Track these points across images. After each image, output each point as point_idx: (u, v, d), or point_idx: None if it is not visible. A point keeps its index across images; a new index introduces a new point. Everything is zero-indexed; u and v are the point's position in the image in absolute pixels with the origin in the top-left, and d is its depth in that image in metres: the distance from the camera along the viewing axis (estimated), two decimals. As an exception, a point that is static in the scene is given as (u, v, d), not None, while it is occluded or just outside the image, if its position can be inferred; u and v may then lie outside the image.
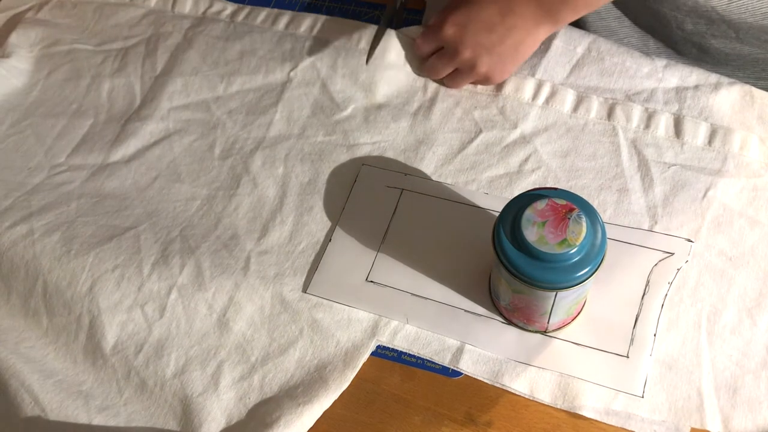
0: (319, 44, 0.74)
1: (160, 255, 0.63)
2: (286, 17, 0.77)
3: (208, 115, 0.72)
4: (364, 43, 0.72)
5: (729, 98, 0.64)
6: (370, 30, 0.73)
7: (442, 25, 0.65)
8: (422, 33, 0.69)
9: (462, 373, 0.56)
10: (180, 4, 0.80)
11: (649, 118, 0.65)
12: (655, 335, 0.55)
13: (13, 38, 0.80)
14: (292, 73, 0.73)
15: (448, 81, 0.69)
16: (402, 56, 0.71)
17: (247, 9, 0.79)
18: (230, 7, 0.79)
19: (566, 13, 0.62)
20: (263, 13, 0.78)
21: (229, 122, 0.71)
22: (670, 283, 0.56)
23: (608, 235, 0.48)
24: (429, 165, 0.65)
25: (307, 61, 0.73)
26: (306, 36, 0.75)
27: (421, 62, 0.71)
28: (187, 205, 0.67)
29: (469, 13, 0.63)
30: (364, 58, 0.71)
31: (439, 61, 0.68)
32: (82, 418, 0.57)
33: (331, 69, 0.72)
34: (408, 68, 0.71)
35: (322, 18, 0.76)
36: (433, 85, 0.70)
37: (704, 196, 0.60)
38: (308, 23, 0.76)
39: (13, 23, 0.82)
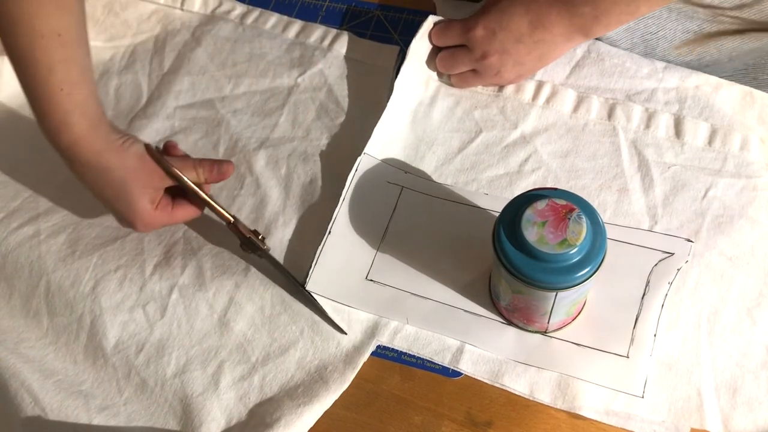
0: (329, 54, 0.74)
1: (162, 257, 0.63)
2: (296, 26, 0.76)
3: (213, 112, 0.72)
4: (381, 61, 0.72)
5: (729, 99, 0.64)
6: (386, 50, 0.72)
7: (473, 27, 0.64)
8: (445, 25, 0.67)
9: (462, 373, 0.56)
10: (189, 2, 0.80)
11: (650, 118, 0.65)
12: (655, 335, 0.54)
13: None
14: (299, 79, 0.73)
15: (457, 80, 0.68)
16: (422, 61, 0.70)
17: (256, 12, 0.78)
18: (239, 8, 0.79)
19: (598, 29, 0.61)
20: (273, 18, 0.77)
21: (233, 120, 0.71)
22: (670, 283, 0.56)
23: (608, 235, 0.48)
24: (429, 164, 0.65)
25: (316, 68, 0.73)
26: (316, 46, 0.75)
27: (431, 53, 0.69)
28: None
29: (501, 20, 0.63)
30: (379, 76, 0.71)
31: (459, 59, 0.67)
32: (82, 418, 0.57)
33: (339, 78, 0.72)
34: (422, 67, 0.70)
35: (333, 31, 0.75)
36: (433, 84, 0.70)
37: (704, 196, 0.60)
38: (319, 34, 0.75)
39: None
